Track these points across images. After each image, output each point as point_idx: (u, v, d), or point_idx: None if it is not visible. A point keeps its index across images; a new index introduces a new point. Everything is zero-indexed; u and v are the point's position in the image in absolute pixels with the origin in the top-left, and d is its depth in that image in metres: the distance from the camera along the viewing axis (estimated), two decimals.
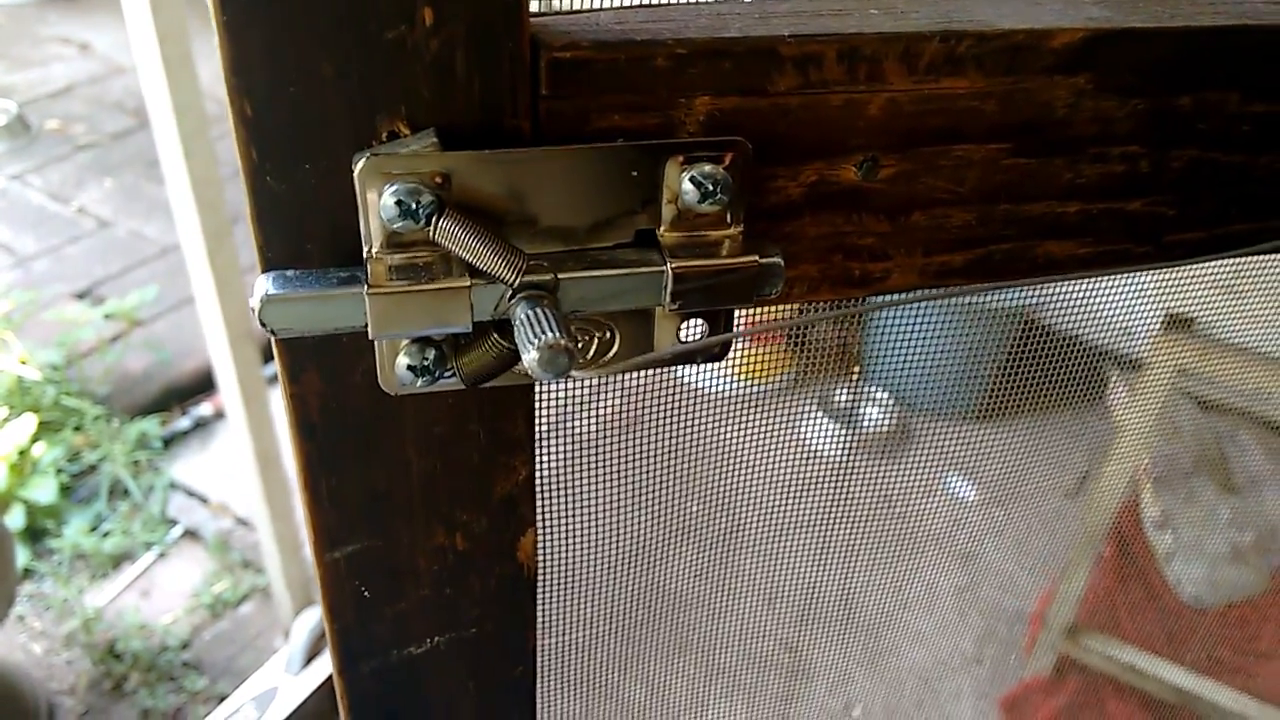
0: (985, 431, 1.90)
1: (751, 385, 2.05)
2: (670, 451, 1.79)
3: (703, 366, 2.05)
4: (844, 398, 1.92)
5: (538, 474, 0.37)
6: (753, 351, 2.03)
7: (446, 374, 0.30)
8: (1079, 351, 1.88)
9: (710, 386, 2.10)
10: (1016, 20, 0.24)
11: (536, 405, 0.34)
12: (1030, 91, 0.24)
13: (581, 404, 2.07)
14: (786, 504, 1.77)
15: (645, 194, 0.27)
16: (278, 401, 1.60)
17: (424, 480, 0.31)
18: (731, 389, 2.12)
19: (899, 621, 1.61)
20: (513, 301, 0.27)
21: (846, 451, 1.83)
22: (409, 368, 0.30)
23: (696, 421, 1.99)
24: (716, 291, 0.27)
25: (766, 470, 1.82)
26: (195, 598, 2.03)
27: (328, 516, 0.32)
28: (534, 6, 0.25)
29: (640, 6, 0.26)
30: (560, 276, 0.28)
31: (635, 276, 0.28)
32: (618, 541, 1.75)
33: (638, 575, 1.72)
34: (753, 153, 0.25)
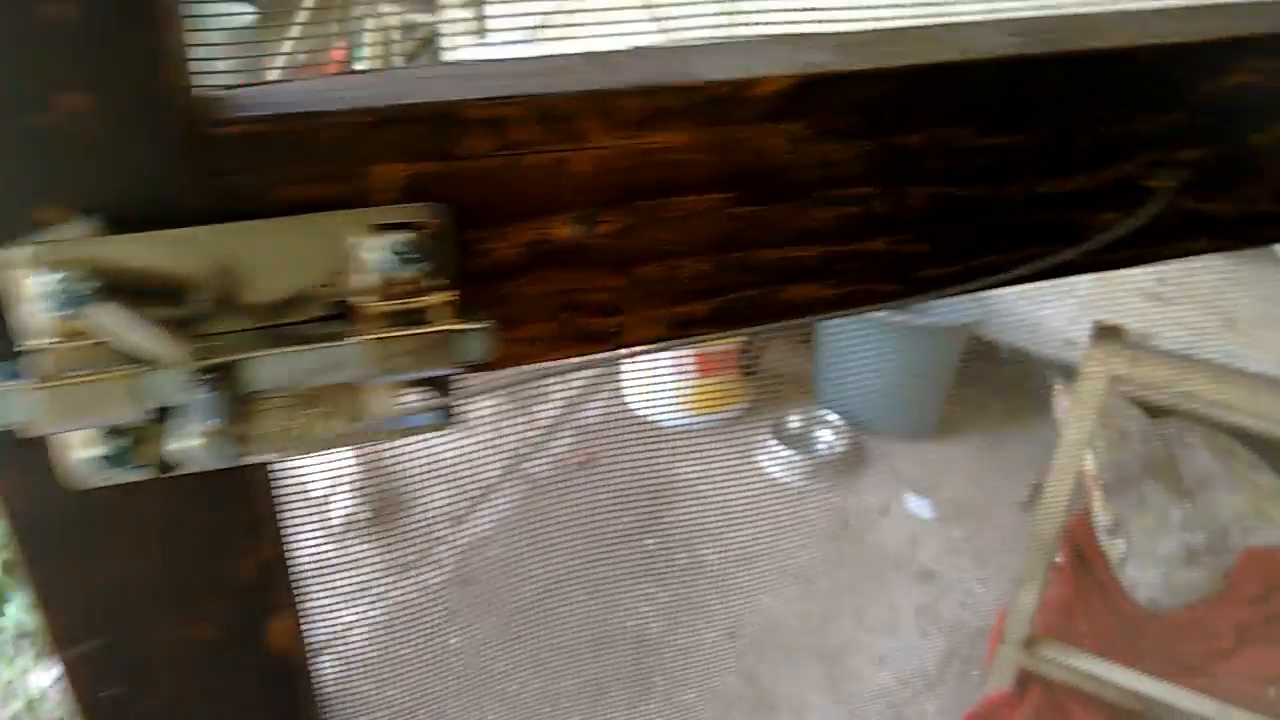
0: (939, 449, 1.92)
1: (705, 417, 2.05)
2: (627, 489, 1.77)
3: (656, 401, 2.02)
4: (798, 423, 1.92)
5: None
6: (705, 383, 2.04)
7: (139, 465, 0.29)
8: (1026, 364, 1.90)
9: (665, 421, 2.09)
10: (727, 71, 0.23)
11: (271, 484, 0.32)
12: (744, 140, 0.23)
13: (535, 447, 2.03)
14: (744, 534, 1.76)
15: (337, 265, 0.26)
16: None
17: (153, 570, 0.29)
18: (686, 422, 2.11)
19: (861, 645, 1.61)
20: (188, 386, 0.26)
21: (803, 477, 1.84)
22: (103, 458, 0.28)
23: (652, 457, 1.97)
24: (419, 360, 0.27)
25: (723, 501, 1.82)
26: None
27: (58, 614, 0.30)
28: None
29: (351, 74, 0.26)
30: (239, 357, 0.27)
31: (327, 351, 0.27)
32: (579, 582, 1.72)
33: (598, 618, 1.70)
34: (454, 216, 0.24)
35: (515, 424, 2.06)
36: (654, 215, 0.24)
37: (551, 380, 2.17)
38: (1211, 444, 1.65)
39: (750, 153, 0.23)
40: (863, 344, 1.87)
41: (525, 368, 0.27)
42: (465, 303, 0.25)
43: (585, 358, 0.25)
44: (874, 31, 0.25)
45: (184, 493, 0.29)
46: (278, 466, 0.33)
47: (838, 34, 0.25)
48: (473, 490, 1.89)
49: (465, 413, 0.29)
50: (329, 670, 1.63)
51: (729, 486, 1.84)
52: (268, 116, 0.24)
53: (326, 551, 1.77)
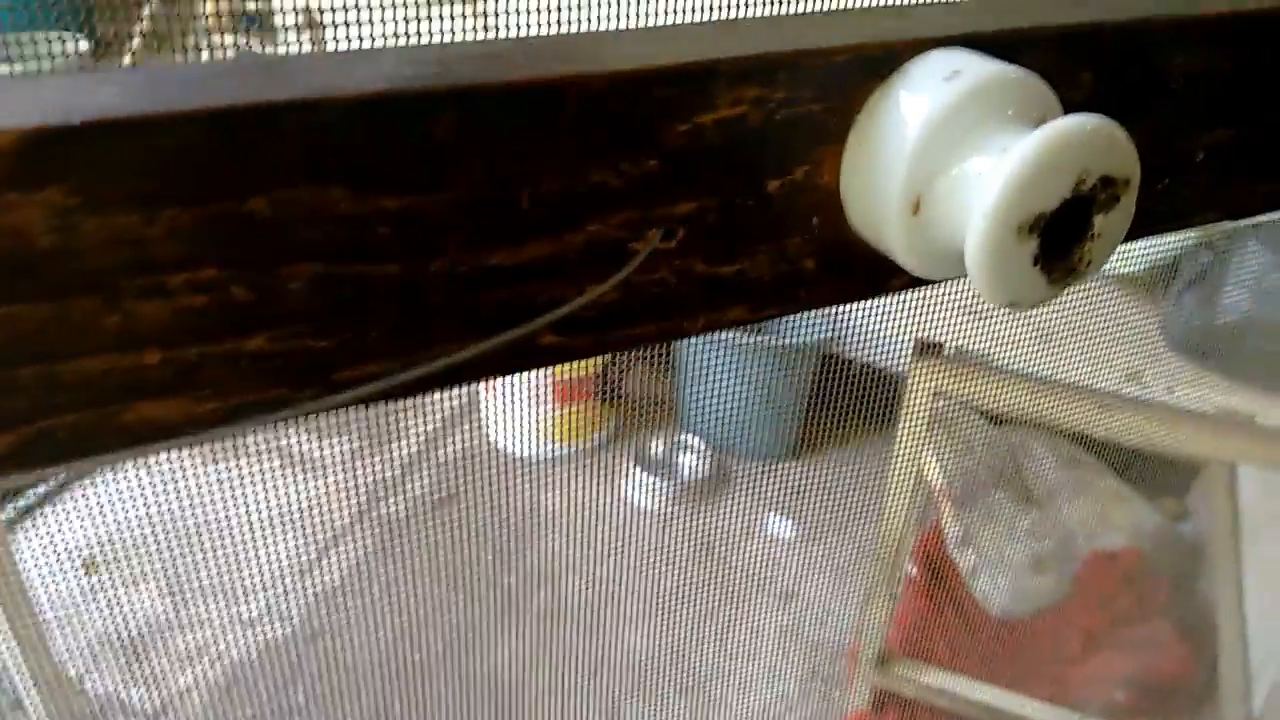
0: (799, 467, 1.91)
1: (567, 446, 2.01)
2: (487, 525, 1.71)
3: (516, 433, 1.96)
4: (659, 448, 1.89)
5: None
6: (566, 412, 1.99)
7: None
8: (878, 379, 1.91)
9: (524, 452, 2.03)
10: None
11: None
12: None
13: (390, 487, 1.95)
14: (607, 567, 1.72)
15: None
16: (18, 544, 1.46)
17: None
18: (546, 452, 2.06)
19: (724, 671, 1.58)
20: None
21: (665, 502, 1.80)
22: None
23: (513, 490, 1.91)
24: None
25: (586, 533, 1.77)
26: None
27: None
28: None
29: None
30: None
31: None
32: (436, 628, 1.65)
33: (455, 664, 1.64)
34: None
35: (370, 464, 1.99)
36: None
37: (409, 414, 2.09)
38: (1055, 451, 1.67)
39: None
40: (719, 366, 1.86)
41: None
42: None
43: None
44: (214, 64, 0.20)
45: None
46: None
47: (155, 69, 0.20)
48: (322, 537, 1.81)
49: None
50: None
51: (592, 517, 1.80)
52: None
53: (159, 611, 1.66)
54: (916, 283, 0.26)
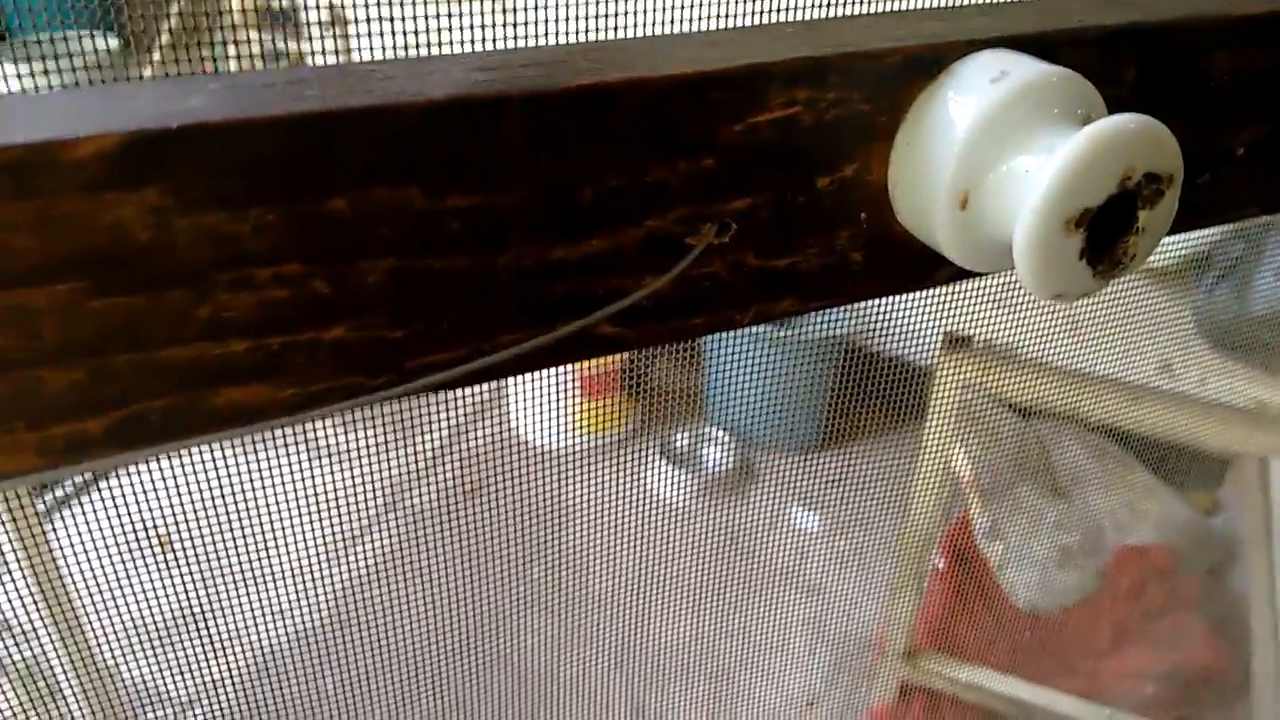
0: (825, 460, 1.91)
1: (592, 438, 2.02)
2: (514, 516, 1.73)
3: (542, 425, 1.98)
4: (684, 441, 1.90)
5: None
6: (592, 404, 2.01)
7: None
8: (903, 371, 1.91)
9: (551, 444, 2.05)
10: (32, 132, 0.18)
11: None
12: (76, 217, 0.18)
13: (417, 478, 1.97)
14: (632, 557, 1.74)
15: None
16: (56, 532, 1.49)
17: None
18: (572, 444, 2.08)
19: (749, 663, 1.59)
20: None
21: (690, 495, 1.81)
22: None
23: (539, 481, 1.93)
24: None
25: (610, 524, 1.79)
26: None
27: None
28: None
29: None
30: None
31: None
32: (464, 616, 1.67)
33: (483, 652, 1.65)
34: None
35: (397, 455, 2.00)
36: None
37: (434, 407, 2.11)
38: (1084, 443, 1.66)
39: (91, 233, 0.18)
40: (745, 359, 1.86)
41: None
42: None
43: None
44: (293, 71, 0.21)
45: None
46: None
47: (234, 75, 0.21)
48: (351, 526, 1.83)
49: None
50: None
51: (617, 509, 1.81)
52: None
53: (192, 598, 1.69)
54: (960, 275, 0.26)
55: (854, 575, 1.70)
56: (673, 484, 1.85)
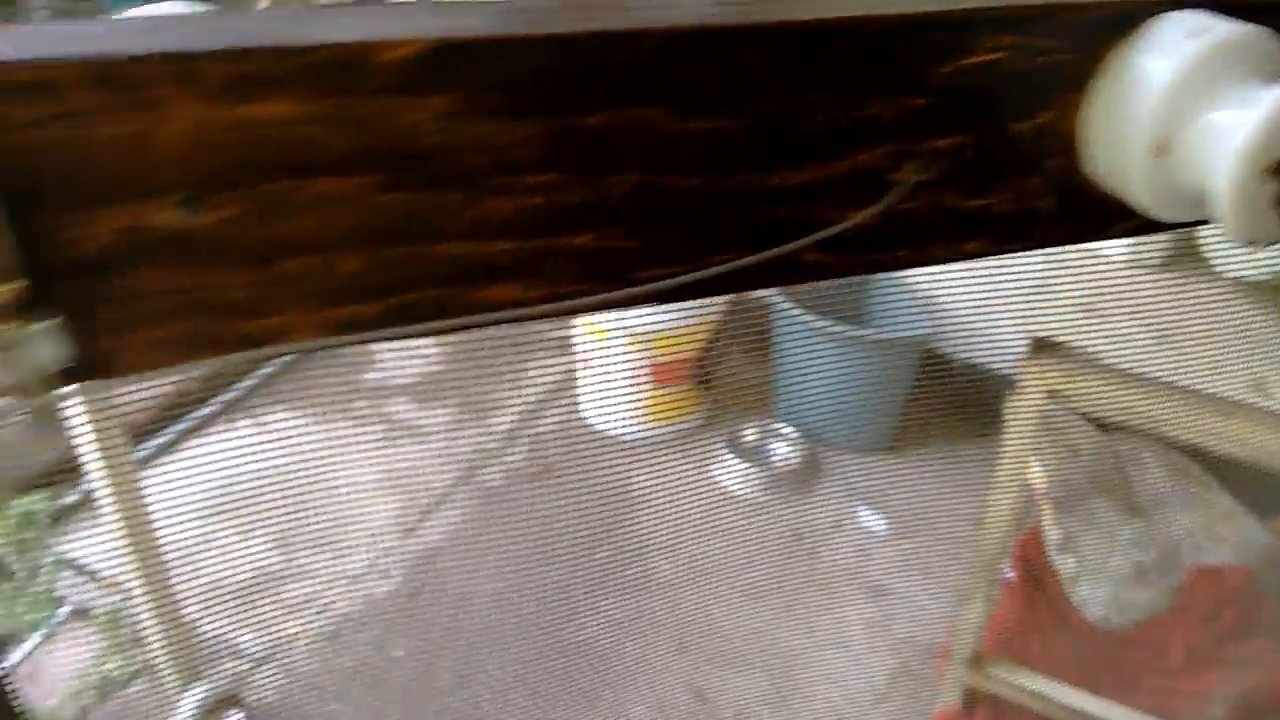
0: (893, 463, 1.90)
1: (661, 428, 2.03)
2: (581, 500, 1.75)
3: (611, 412, 1.99)
4: (752, 435, 1.90)
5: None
6: (661, 394, 2.02)
7: None
8: (980, 379, 1.88)
9: (620, 432, 2.06)
10: (343, 34, 0.20)
11: None
12: (375, 116, 0.20)
13: (489, 457, 2.01)
14: (697, 547, 1.75)
15: None
16: (149, 482, 1.54)
17: None
18: (641, 434, 2.09)
19: (811, 659, 1.59)
20: None
21: (756, 489, 1.82)
22: None
23: (606, 467, 1.95)
24: None
25: (677, 514, 1.80)
26: (83, 679, 1.93)
27: None
28: None
29: None
30: None
31: None
32: (529, 595, 1.70)
33: (547, 630, 1.68)
34: (4, 197, 0.20)
35: (470, 433, 2.05)
36: (282, 201, 0.21)
37: (506, 389, 2.15)
38: (1165, 461, 1.64)
39: (388, 131, 0.20)
40: (818, 357, 1.86)
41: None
42: (56, 300, 0.22)
43: (238, 358, 0.23)
44: None
45: None
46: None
47: (499, 3, 0.23)
48: (423, 501, 1.87)
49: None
50: (270, 682, 1.60)
51: (683, 499, 1.82)
52: None
53: (269, 561, 1.74)
54: (1141, 230, 0.27)
55: (919, 579, 1.69)
56: (739, 477, 1.86)
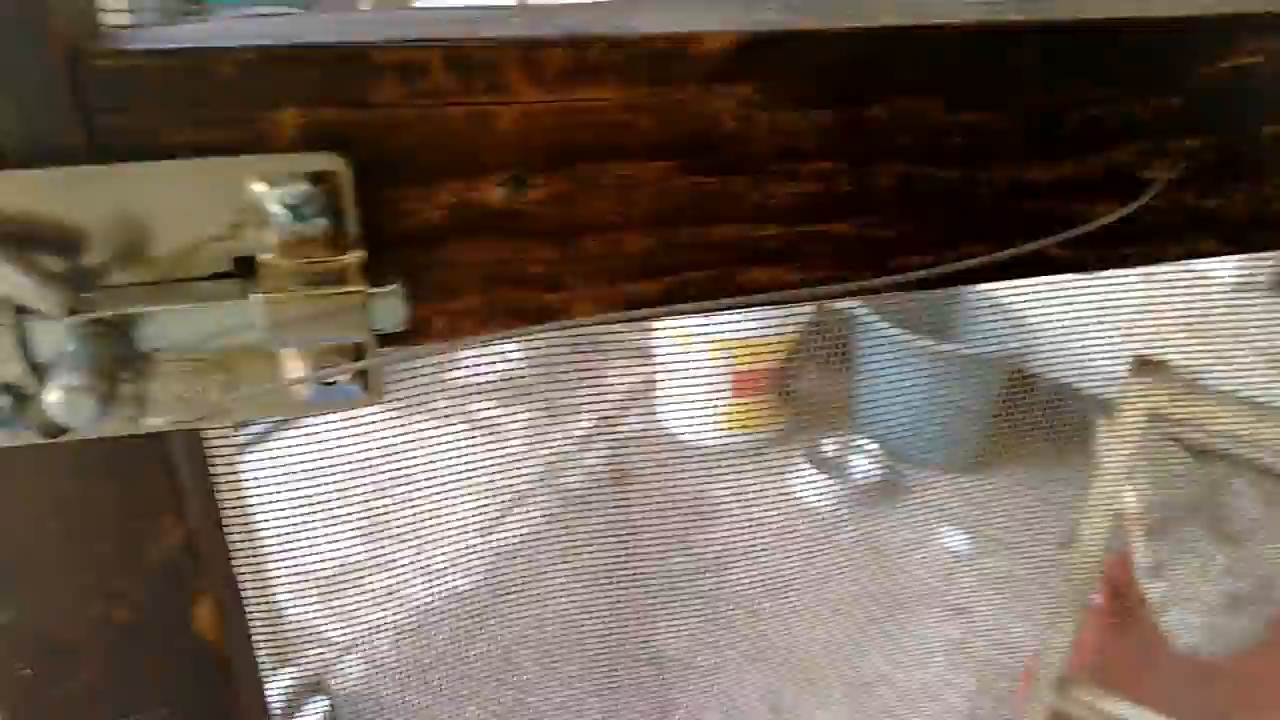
0: (978, 482, 1.88)
1: (739, 437, 2.04)
2: (657, 506, 1.76)
3: (690, 419, 2.02)
4: (832, 448, 1.90)
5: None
6: (741, 403, 2.02)
7: (25, 426, 0.26)
8: (1069, 399, 1.86)
9: (698, 440, 2.07)
10: (667, 25, 0.21)
11: (203, 456, 0.30)
12: (687, 104, 0.22)
13: (566, 458, 2.04)
14: (774, 558, 1.74)
15: (236, 216, 0.24)
16: (246, 467, 1.58)
17: (56, 543, 0.28)
18: (719, 442, 2.09)
19: (890, 678, 1.57)
20: (72, 340, 0.24)
21: (836, 503, 1.81)
22: None
23: (683, 475, 1.96)
24: (324, 324, 0.24)
25: (753, 523, 1.80)
26: None
27: None
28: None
29: (261, 15, 0.24)
30: (128, 311, 0.25)
31: (221, 309, 0.25)
32: (604, 599, 1.72)
33: (623, 635, 1.69)
34: (359, 169, 0.23)
35: (549, 435, 2.07)
36: (591, 182, 0.23)
37: (585, 392, 2.17)
38: (1260, 489, 1.59)
39: (695, 118, 0.22)
40: (902, 372, 1.85)
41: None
42: (385, 268, 0.23)
43: (525, 331, 0.24)
44: None
45: (93, 460, 0.27)
46: (216, 439, 0.32)
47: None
48: (504, 499, 1.90)
49: (390, 389, 0.28)
50: (354, 671, 1.64)
51: (760, 509, 1.82)
52: (143, 52, 0.23)
53: (356, 551, 1.78)
54: None
55: (1002, 600, 1.67)
56: (818, 490, 1.85)
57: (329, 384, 0.27)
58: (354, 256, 0.23)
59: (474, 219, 0.23)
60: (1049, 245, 0.25)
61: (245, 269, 0.26)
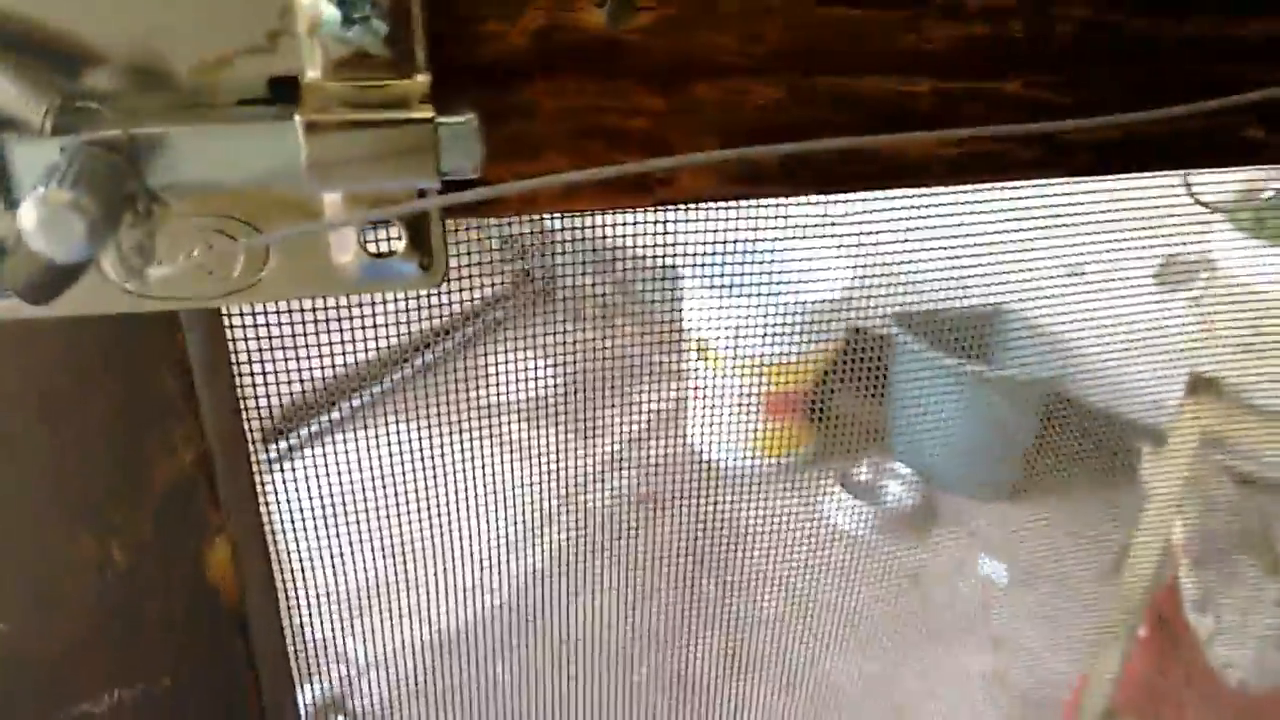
0: (1016, 510, 1.83)
1: (770, 460, 2.01)
2: (686, 529, 1.73)
3: (720, 441, 1.99)
4: (865, 473, 1.86)
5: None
6: (772, 426, 1.99)
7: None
8: (1111, 425, 1.82)
9: (728, 462, 2.04)
10: None
11: (218, 343, 0.25)
12: None
13: (594, 479, 2.01)
14: (806, 584, 1.70)
15: (272, 22, 0.20)
16: (272, 485, 1.56)
17: (41, 459, 0.22)
18: (750, 465, 2.06)
19: (925, 709, 1.52)
20: (62, 159, 0.19)
21: (869, 529, 1.77)
22: None
23: (714, 497, 1.92)
24: (381, 161, 0.19)
25: (785, 548, 1.77)
26: None
27: None
28: None
29: None
30: (140, 131, 0.20)
31: (253, 134, 0.20)
32: (632, 622, 1.68)
33: (650, 659, 1.65)
34: None
35: (577, 456, 2.04)
36: (709, 5, 0.19)
37: (615, 413, 2.14)
38: None
39: None
40: (938, 396, 1.82)
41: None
42: (453, 109, 0.19)
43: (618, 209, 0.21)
44: None
45: (89, 351, 0.22)
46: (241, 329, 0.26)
47: None
48: (531, 519, 1.87)
49: (453, 271, 0.23)
50: (374, 690, 1.60)
51: (792, 534, 1.78)
52: None
53: (380, 570, 1.75)
54: None
55: (1041, 632, 1.62)
56: (851, 515, 1.81)
57: (381, 256, 0.23)
58: (420, 80, 0.19)
59: (565, 50, 0.20)
60: (1245, 125, 0.22)
61: (285, 95, 0.21)
